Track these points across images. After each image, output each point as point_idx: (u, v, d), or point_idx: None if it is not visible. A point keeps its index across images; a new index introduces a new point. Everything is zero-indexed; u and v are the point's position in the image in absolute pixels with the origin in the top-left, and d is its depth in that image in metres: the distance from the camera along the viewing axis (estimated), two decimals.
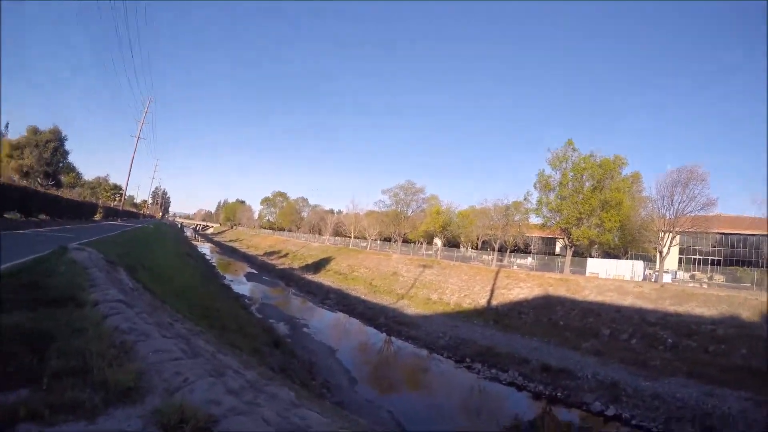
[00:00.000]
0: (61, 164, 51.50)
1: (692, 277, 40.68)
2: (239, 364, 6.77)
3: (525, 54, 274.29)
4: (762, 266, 39.41)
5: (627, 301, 28.27)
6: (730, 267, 42.49)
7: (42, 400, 3.07)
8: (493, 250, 49.91)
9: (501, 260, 48.98)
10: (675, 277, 38.45)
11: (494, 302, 33.51)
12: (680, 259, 48.38)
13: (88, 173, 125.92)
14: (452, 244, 65.55)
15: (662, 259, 34.41)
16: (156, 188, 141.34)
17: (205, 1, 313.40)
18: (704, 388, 17.93)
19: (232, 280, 45.12)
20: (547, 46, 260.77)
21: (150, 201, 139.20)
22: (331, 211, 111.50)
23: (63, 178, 55.36)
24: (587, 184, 37.52)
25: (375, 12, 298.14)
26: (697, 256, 49.31)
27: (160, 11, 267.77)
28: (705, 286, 33.69)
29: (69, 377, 3.48)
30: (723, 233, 47.62)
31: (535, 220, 45.65)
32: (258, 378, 5.93)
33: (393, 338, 28.17)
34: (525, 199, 43.66)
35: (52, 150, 47.50)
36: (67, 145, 50.59)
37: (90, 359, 3.84)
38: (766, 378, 17.58)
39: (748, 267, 41.39)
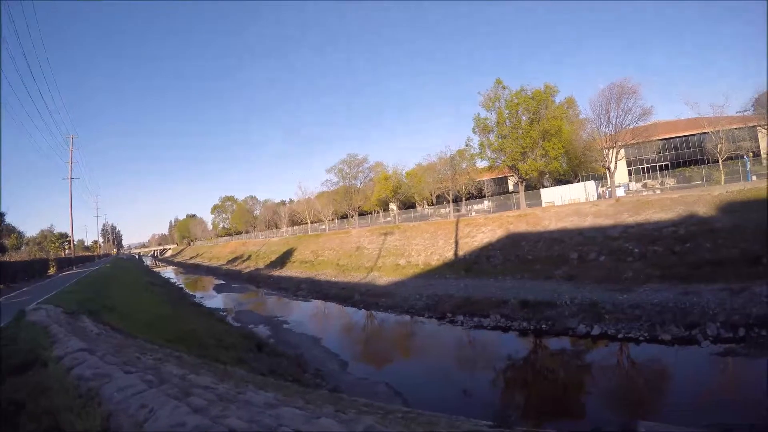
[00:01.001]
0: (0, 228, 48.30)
1: (644, 186, 41.80)
2: (213, 380, 6.87)
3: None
4: (708, 162, 40.77)
5: (587, 222, 28.68)
6: (678, 169, 43.92)
7: None
8: (449, 202, 49.90)
9: (458, 210, 49.07)
10: (628, 190, 39.54)
11: (461, 252, 33.44)
12: (629, 172, 49.66)
13: (32, 229, 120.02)
14: (408, 205, 65.27)
15: (612, 175, 35.09)
16: (104, 225, 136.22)
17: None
18: (678, 288, 18.26)
19: (202, 297, 43.48)
20: None
21: (101, 240, 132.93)
22: (283, 203, 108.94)
23: (6, 242, 51.87)
24: (524, 118, 37.51)
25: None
26: (645, 165, 50.61)
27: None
28: (658, 192, 34.66)
29: None
30: (664, 139, 48.94)
31: (482, 163, 45.77)
32: (231, 389, 6.17)
33: (373, 312, 27.68)
34: (467, 145, 43.31)
35: None
36: (1, 207, 47.56)
37: (58, 415, 3.86)
38: (735, 266, 18.03)
39: (695, 166, 42.86)
